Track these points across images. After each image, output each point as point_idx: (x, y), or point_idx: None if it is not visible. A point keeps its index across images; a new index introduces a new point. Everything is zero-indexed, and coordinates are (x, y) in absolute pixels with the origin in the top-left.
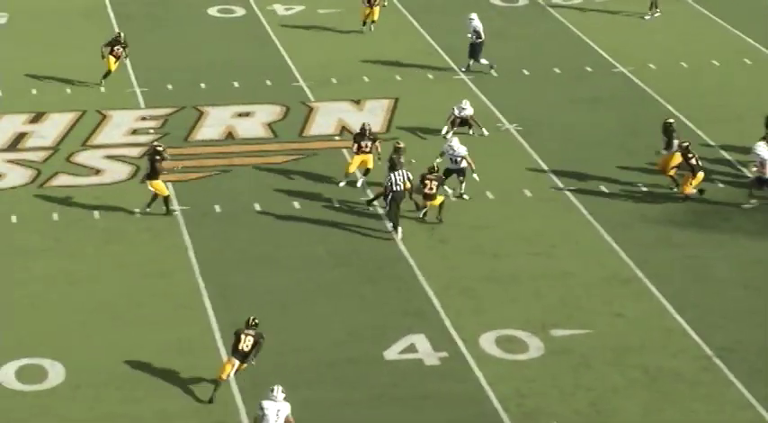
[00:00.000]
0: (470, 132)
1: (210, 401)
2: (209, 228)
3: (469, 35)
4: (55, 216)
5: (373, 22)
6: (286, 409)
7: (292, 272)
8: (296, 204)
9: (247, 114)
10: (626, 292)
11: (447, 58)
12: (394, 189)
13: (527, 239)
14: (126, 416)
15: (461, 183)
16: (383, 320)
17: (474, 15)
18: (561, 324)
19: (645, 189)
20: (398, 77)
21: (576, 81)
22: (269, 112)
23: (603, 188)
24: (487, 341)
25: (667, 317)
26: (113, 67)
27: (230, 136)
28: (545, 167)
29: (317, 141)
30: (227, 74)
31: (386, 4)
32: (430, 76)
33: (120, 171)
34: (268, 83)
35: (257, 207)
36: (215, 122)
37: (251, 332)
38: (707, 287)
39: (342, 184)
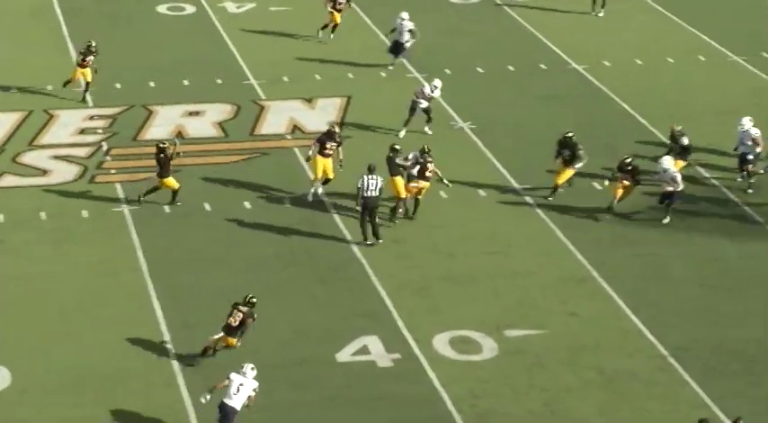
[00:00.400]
0: (426, 129)
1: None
2: (158, 228)
3: (392, 33)
4: (1, 217)
5: (336, 25)
6: (250, 386)
7: (243, 272)
8: (247, 204)
9: (197, 113)
10: (581, 291)
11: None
12: (365, 194)
13: (482, 239)
14: (76, 419)
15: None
16: (335, 322)
17: (405, 15)
18: (516, 324)
19: (600, 188)
20: (351, 75)
21: (531, 79)
22: (219, 111)
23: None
24: (441, 342)
25: (622, 316)
26: (77, 75)
27: (180, 135)
28: (499, 166)
29: (268, 140)
30: (176, 72)
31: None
32: (382, 75)
33: (68, 171)
34: (218, 81)
35: (207, 207)
36: (164, 122)
37: (243, 309)
38: (662, 286)
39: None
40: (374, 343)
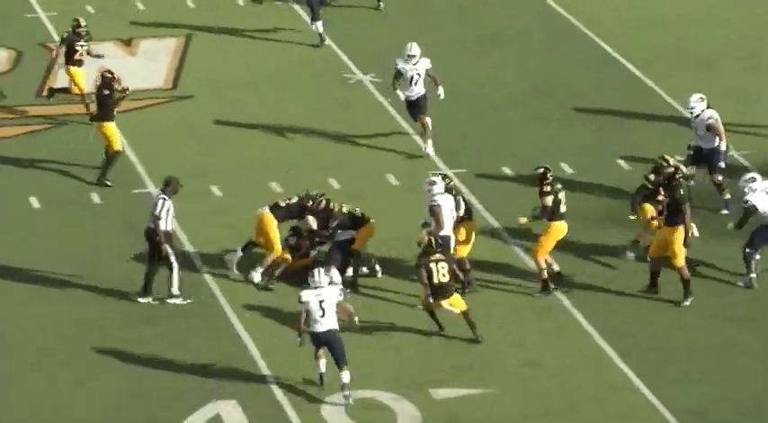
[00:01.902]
0: (427, 149)
1: (478, 340)
2: None
3: None
4: None
5: None
6: (332, 294)
7: (27, 303)
8: (34, 202)
9: None
10: (545, 327)
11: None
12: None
13: (395, 245)
14: None
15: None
16: (172, 379)
17: None
18: (447, 380)
19: (569, 170)
20: (191, 4)
21: (463, 9)
22: None
23: (506, 170)
24: (334, 409)
25: (606, 364)
26: (80, 82)
27: None
28: (416, 139)
29: (66, 104)
30: None
31: None
32: (238, 2)
33: None
34: None
35: None
36: None
37: (440, 256)
38: (663, 318)
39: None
40: (231, 410)
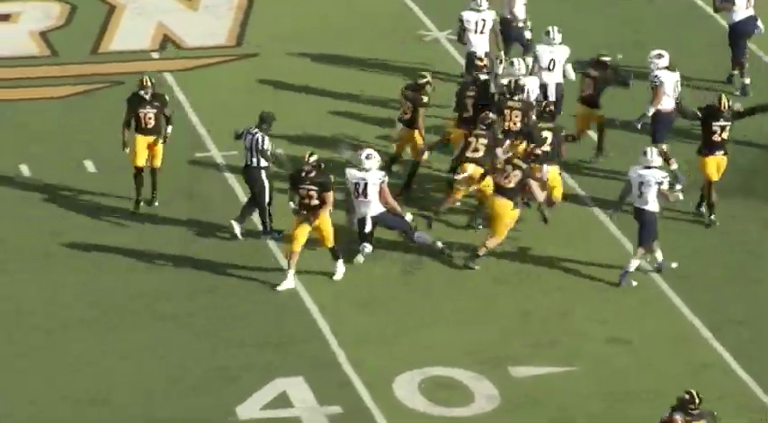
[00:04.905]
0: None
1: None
2: None
3: None
4: None
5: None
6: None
7: (80, 276)
8: (89, 165)
9: (6, 18)
10: (631, 301)
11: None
12: None
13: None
14: None
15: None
16: (231, 356)
17: None
18: (525, 357)
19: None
20: None
21: None
22: (41, 15)
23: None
24: (406, 386)
25: (697, 342)
26: (138, 156)
27: None
28: None
29: (122, 62)
30: None
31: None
32: None
33: None
34: None
35: (25, 171)
36: None
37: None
38: (758, 292)
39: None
40: (298, 388)
